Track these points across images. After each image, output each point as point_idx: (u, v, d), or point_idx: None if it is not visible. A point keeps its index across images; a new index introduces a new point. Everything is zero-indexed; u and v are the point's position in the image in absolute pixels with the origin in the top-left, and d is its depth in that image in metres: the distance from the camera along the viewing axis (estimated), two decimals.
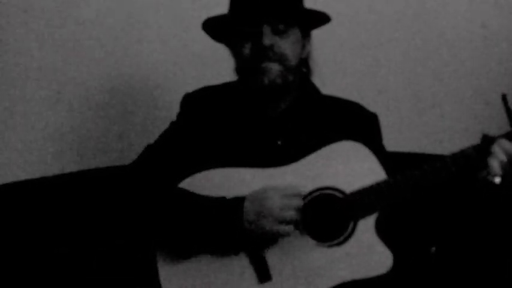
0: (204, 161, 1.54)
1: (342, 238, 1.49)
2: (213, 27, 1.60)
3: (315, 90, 1.66)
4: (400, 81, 2.25)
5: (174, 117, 1.65)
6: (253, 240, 1.46)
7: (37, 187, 2.03)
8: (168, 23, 2.16)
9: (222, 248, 1.48)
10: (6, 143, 2.10)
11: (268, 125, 1.59)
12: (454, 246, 1.98)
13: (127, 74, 2.17)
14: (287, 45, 1.52)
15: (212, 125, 1.60)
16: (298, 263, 1.48)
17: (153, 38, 2.16)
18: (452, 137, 2.23)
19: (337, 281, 1.46)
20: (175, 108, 1.65)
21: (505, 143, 1.44)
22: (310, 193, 1.50)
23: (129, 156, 1.69)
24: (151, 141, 1.62)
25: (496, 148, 1.43)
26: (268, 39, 1.50)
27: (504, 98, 1.47)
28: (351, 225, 1.49)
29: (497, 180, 1.42)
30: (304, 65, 1.63)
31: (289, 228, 1.44)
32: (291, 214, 1.43)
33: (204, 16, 1.59)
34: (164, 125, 1.65)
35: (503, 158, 1.42)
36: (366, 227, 1.49)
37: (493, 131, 1.48)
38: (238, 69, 1.60)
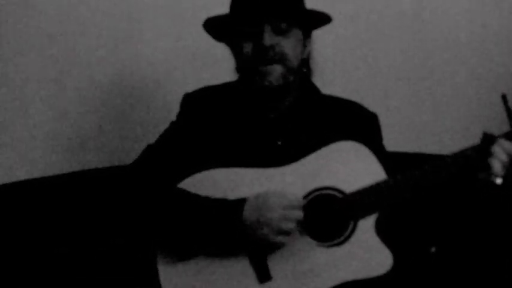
0: (204, 161, 1.54)
1: (342, 238, 1.49)
2: (214, 26, 1.60)
3: (315, 90, 1.66)
4: (400, 81, 2.25)
5: (174, 117, 1.65)
6: (252, 242, 1.46)
7: (37, 187, 2.03)
8: (168, 23, 2.16)
9: (222, 249, 1.48)
10: (6, 143, 2.10)
11: (268, 125, 1.59)
12: (454, 246, 1.98)
13: (127, 74, 2.17)
14: (288, 45, 1.52)
15: (212, 125, 1.59)
16: (298, 263, 1.48)
17: (153, 38, 2.16)
18: (452, 137, 2.23)
19: (337, 281, 1.46)
20: (175, 108, 1.65)
21: (505, 143, 1.43)
22: (310, 193, 1.50)
23: (129, 156, 1.69)
24: (151, 141, 1.62)
25: (496, 148, 1.43)
26: (269, 39, 1.50)
27: (504, 98, 1.47)
28: (351, 225, 1.49)
29: (499, 181, 1.41)
30: (304, 65, 1.62)
31: (285, 239, 1.45)
32: (290, 226, 1.43)
33: (204, 16, 1.59)
34: (164, 125, 1.65)
35: (504, 158, 1.42)
36: (366, 227, 1.49)
37: (493, 131, 1.48)
38: (239, 69, 1.60)
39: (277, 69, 1.52)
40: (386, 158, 1.56)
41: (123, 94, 2.17)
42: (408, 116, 2.26)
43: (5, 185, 2.02)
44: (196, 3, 2.11)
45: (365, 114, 1.64)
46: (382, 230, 1.49)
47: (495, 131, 1.48)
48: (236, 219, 1.43)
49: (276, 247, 1.47)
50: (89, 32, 2.13)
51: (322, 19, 1.58)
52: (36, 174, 2.08)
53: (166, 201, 1.49)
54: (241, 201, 1.45)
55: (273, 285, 1.47)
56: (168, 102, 2.10)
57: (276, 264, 1.48)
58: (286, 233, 1.44)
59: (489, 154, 1.43)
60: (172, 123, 1.64)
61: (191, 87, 1.67)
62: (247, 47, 1.53)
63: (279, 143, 1.58)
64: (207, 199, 1.48)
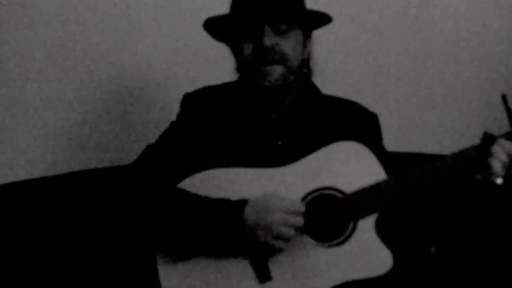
0: (204, 161, 1.54)
1: (342, 238, 1.49)
2: (214, 26, 1.60)
3: (315, 90, 1.66)
4: (400, 81, 2.25)
5: (174, 117, 1.65)
6: (252, 243, 1.46)
7: (37, 187, 2.03)
8: (168, 23, 2.16)
9: (222, 249, 1.48)
10: (6, 143, 2.10)
11: (268, 125, 1.59)
12: (454, 247, 1.98)
13: (127, 74, 2.17)
14: (288, 46, 1.52)
15: (212, 125, 1.59)
16: (298, 263, 1.48)
17: (153, 37, 2.16)
18: (452, 137, 2.23)
19: (337, 281, 1.46)
20: (175, 108, 1.65)
21: (505, 143, 1.43)
22: (310, 193, 1.50)
23: (129, 156, 1.69)
24: (152, 141, 1.62)
25: (496, 149, 1.43)
26: (269, 40, 1.50)
27: (504, 98, 1.47)
28: (351, 225, 1.49)
29: (499, 181, 1.41)
30: (305, 66, 1.62)
31: (284, 244, 1.45)
32: (289, 232, 1.43)
33: (204, 16, 1.59)
34: (164, 125, 1.65)
35: (505, 158, 1.42)
36: (366, 227, 1.49)
37: (493, 131, 1.48)
38: (239, 69, 1.60)
39: (277, 70, 1.52)
40: (386, 158, 1.56)
41: (123, 94, 2.17)
42: (408, 116, 2.26)
43: (5, 185, 2.02)
44: (197, 3, 2.11)
45: (365, 114, 1.64)
46: (382, 230, 1.49)
47: (495, 131, 1.48)
48: (236, 220, 1.43)
49: (274, 250, 1.47)
50: (89, 32, 2.13)
51: (322, 19, 1.58)
52: (36, 174, 2.08)
53: (166, 202, 1.49)
54: (242, 203, 1.45)
55: (273, 285, 1.47)
56: (168, 102, 2.10)
57: (276, 264, 1.48)
58: (285, 238, 1.44)
59: (489, 154, 1.43)
60: (172, 123, 1.64)
61: (191, 87, 1.67)
62: (248, 48, 1.53)
63: (279, 143, 1.58)
64: (207, 199, 1.48)
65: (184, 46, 2.16)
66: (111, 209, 1.64)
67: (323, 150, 1.52)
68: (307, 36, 1.60)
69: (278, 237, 1.43)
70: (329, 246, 1.48)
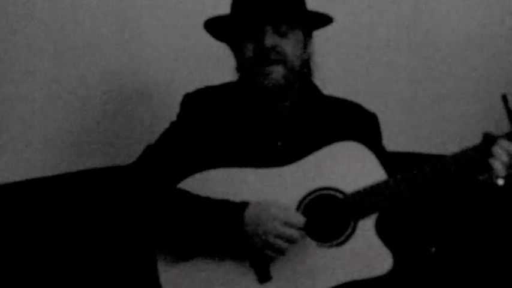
0: (204, 161, 1.54)
1: (342, 238, 1.49)
2: (215, 26, 1.60)
3: (316, 91, 1.66)
4: (400, 81, 2.25)
5: (174, 117, 1.65)
6: (251, 245, 1.46)
7: (37, 187, 2.03)
8: (168, 23, 2.16)
9: (222, 249, 1.48)
10: (6, 143, 2.10)
11: (268, 125, 1.59)
12: (454, 247, 1.98)
13: (127, 73, 2.17)
14: (289, 46, 1.52)
15: (212, 125, 1.59)
16: (298, 263, 1.48)
17: (153, 37, 2.16)
18: (452, 137, 2.23)
19: (338, 281, 1.46)
20: (176, 108, 1.65)
21: (506, 143, 1.43)
22: (310, 193, 1.50)
23: (129, 156, 1.69)
24: (152, 141, 1.62)
25: (497, 149, 1.43)
26: (270, 40, 1.50)
27: (504, 98, 1.47)
28: (351, 225, 1.49)
29: (501, 182, 1.41)
30: (305, 66, 1.62)
31: (276, 255, 1.45)
32: (282, 245, 1.43)
33: (205, 16, 1.59)
34: (164, 125, 1.65)
35: (506, 159, 1.42)
36: (366, 227, 1.49)
37: (493, 131, 1.48)
38: (240, 69, 1.60)
39: (278, 70, 1.52)
40: (386, 158, 1.56)
41: (124, 94, 2.17)
42: (408, 116, 2.26)
43: (5, 185, 2.02)
44: (197, 3, 2.11)
45: (365, 115, 1.64)
46: (382, 230, 1.49)
47: (495, 131, 1.48)
48: (236, 224, 1.43)
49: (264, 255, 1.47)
50: (89, 32, 2.12)
51: (323, 20, 1.58)
52: (36, 174, 2.08)
53: (166, 202, 1.49)
54: (242, 206, 1.45)
55: (273, 286, 1.47)
56: (168, 102, 2.10)
57: (276, 265, 1.48)
58: (278, 250, 1.44)
59: (490, 155, 1.43)
60: (173, 124, 1.64)
61: (191, 87, 1.67)
62: (248, 48, 1.53)
63: (279, 143, 1.58)
64: (207, 200, 1.48)
65: (185, 46, 2.16)
66: (111, 209, 1.64)
67: (323, 151, 1.52)
68: (307, 37, 1.60)
69: (271, 248, 1.43)
70: (329, 247, 1.48)
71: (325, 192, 1.50)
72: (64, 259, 1.99)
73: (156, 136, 1.63)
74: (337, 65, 2.19)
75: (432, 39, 2.23)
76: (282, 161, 1.52)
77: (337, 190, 1.50)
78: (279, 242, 1.42)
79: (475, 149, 1.46)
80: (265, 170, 1.51)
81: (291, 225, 1.43)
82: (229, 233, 1.44)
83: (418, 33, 2.23)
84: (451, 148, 1.50)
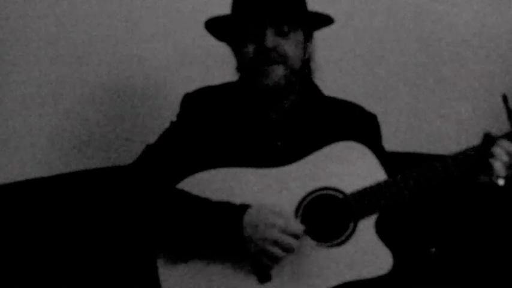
0: (204, 161, 1.54)
1: (342, 238, 1.49)
2: (216, 26, 1.60)
3: (316, 91, 1.66)
4: (400, 81, 2.25)
5: (174, 117, 1.65)
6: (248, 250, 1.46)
7: (37, 187, 2.03)
8: (168, 23, 2.16)
9: (222, 250, 1.47)
10: (6, 143, 2.10)
11: (268, 125, 1.59)
12: (454, 247, 1.98)
13: (127, 74, 2.17)
14: (290, 47, 1.52)
15: (212, 125, 1.59)
16: (298, 263, 1.47)
17: (153, 37, 2.16)
18: (452, 137, 2.23)
19: (337, 281, 1.46)
20: (175, 108, 1.65)
21: (506, 143, 1.43)
22: (310, 193, 1.50)
23: (129, 156, 1.69)
24: (152, 141, 1.62)
25: (497, 150, 1.43)
26: (271, 41, 1.50)
27: (504, 98, 1.47)
28: (351, 225, 1.49)
29: (501, 182, 1.41)
30: (306, 66, 1.63)
31: (272, 263, 1.44)
32: (279, 253, 1.42)
33: (205, 16, 1.59)
34: (164, 125, 1.65)
35: (506, 159, 1.42)
36: (366, 227, 1.49)
37: (493, 131, 1.48)
38: (240, 69, 1.60)
39: (278, 70, 1.52)
40: (386, 158, 1.56)
41: (123, 94, 2.17)
42: (408, 116, 2.26)
43: (5, 185, 2.02)
44: (196, 3, 2.11)
45: (365, 116, 1.65)
46: (382, 230, 1.49)
47: (495, 131, 1.48)
48: (234, 228, 1.43)
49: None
50: (89, 32, 2.12)
51: (323, 20, 1.58)
52: (36, 174, 2.08)
53: (165, 202, 1.49)
54: (242, 209, 1.45)
55: (273, 286, 1.47)
56: (168, 102, 2.10)
57: (276, 265, 1.48)
58: (274, 258, 1.43)
59: (490, 155, 1.43)
60: (172, 123, 1.64)
61: (191, 87, 1.67)
62: (249, 48, 1.53)
63: (279, 143, 1.58)
64: (206, 202, 1.47)
65: (185, 46, 2.16)
66: (111, 209, 1.64)
67: (323, 151, 1.52)
68: (308, 37, 1.60)
69: (267, 255, 1.43)
70: (329, 247, 1.48)
71: (325, 192, 1.50)
72: (64, 259, 1.99)
73: (156, 136, 1.63)
74: (338, 65, 2.19)
75: (432, 40, 2.23)
76: (282, 161, 1.52)
77: (337, 190, 1.50)
78: (276, 250, 1.42)
79: (475, 149, 1.46)
80: (265, 170, 1.51)
81: (289, 233, 1.43)
82: (227, 236, 1.44)
83: (418, 34, 2.23)
84: (451, 148, 1.50)
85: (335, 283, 1.46)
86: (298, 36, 1.55)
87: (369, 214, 1.49)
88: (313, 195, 1.50)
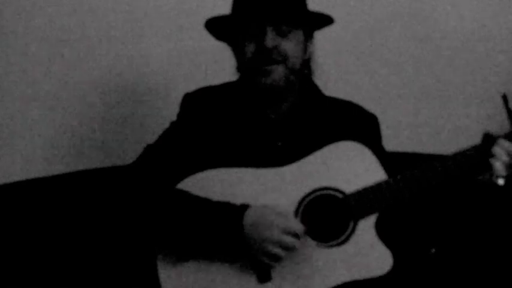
0: (204, 161, 1.54)
1: (342, 238, 1.49)
2: (216, 26, 1.60)
3: (316, 91, 1.66)
4: (400, 81, 2.25)
5: (174, 117, 1.65)
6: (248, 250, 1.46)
7: (37, 187, 2.03)
8: (168, 23, 2.16)
9: (222, 250, 1.47)
10: (6, 143, 2.10)
11: (268, 125, 1.59)
12: (454, 247, 1.98)
13: (127, 74, 2.17)
14: (290, 46, 1.52)
15: (212, 125, 1.59)
16: (298, 263, 1.47)
17: (153, 37, 2.16)
18: (452, 137, 2.23)
19: (337, 281, 1.46)
20: (175, 108, 1.65)
21: (506, 143, 1.43)
22: (310, 193, 1.50)
23: (129, 156, 1.69)
24: (151, 141, 1.62)
25: (497, 149, 1.43)
26: (271, 41, 1.50)
27: (504, 98, 1.47)
28: (351, 225, 1.49)
29: (501, 182, 1.41)
30: (306, 66, 1.63)
31: (272, 263, 1.44)
32: (279, 253, 1.42)
33: (205, 16, 1.59)
34: (164, 125, 1.65)
35: (506, 159, 1.42)
36: (366, 227, 1.48)
37: (493, 131, 1.48)
38: (240, 69, 1.60)
39: (278, 70, 1.52)
40: (386, 158, 1.56)
41: (123, 94, 2.17)
42: (408, 116, 2.26)
43: (5, 185, 2.02)
44: (197, 3, 2.11)
45: (365, 116, 1.65)
46: (382, 230, 1.49)
47: (495, 131, 1.48)
48: (234, 228, 1.43)
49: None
50: (89, 32, 2.12)
51: (323, 20, 1.58)
52: (36, 174, 2.08)
53: (165, 202, 1.49)
54: (242, 209, 1.45)
55: (273, 286, 1.47)
56: (168, 102, 2.10)
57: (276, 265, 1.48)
58: (275, 258, 1.43)
59: (490, 155, 1.43)
60: (172, 124, 1.64)
61: (191, 87, 1.67)
62: (249, 48, 1.53)
63: (279, 143, 1.58)
64: (206, 201, 1.47)
65: (185, 46, 2.16)
66: (111, 209, 1.64)
67: (323, 151, 1.52)
68: (308, 37, 1.60)
69: (268, 255, 1.43)
70: (329, 247, 1.48)
71: (325, 192, 1.50)
72: (64, 259, 1.99)
73: (156, 136, 1.63)
74: (338, 65, 2.19)
75: (432, 40, 2.23)
76: (282, 161, 1.52)
77: (337, 190, 1.50)
78: (276, 250, 1.42)
79: (475, 149, 1.46)
80: (265, 170, 1.51)
81: (290, 233, 1.43)
82: (228, 236, 1.44)
83: (418, 34, 2.23)
84: (451, 148, 1.50)
85: (335, 283, 1.46)
86: (298, 36, 1.55)
87: (368, 214, 1.49)
88: (313, 195, 1.50)
